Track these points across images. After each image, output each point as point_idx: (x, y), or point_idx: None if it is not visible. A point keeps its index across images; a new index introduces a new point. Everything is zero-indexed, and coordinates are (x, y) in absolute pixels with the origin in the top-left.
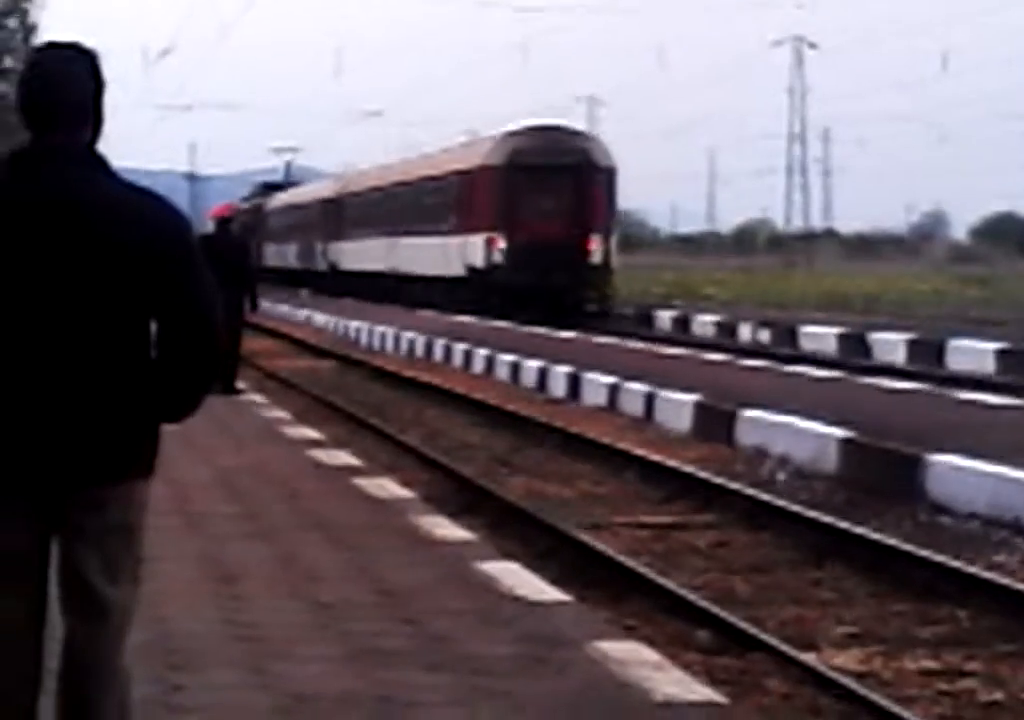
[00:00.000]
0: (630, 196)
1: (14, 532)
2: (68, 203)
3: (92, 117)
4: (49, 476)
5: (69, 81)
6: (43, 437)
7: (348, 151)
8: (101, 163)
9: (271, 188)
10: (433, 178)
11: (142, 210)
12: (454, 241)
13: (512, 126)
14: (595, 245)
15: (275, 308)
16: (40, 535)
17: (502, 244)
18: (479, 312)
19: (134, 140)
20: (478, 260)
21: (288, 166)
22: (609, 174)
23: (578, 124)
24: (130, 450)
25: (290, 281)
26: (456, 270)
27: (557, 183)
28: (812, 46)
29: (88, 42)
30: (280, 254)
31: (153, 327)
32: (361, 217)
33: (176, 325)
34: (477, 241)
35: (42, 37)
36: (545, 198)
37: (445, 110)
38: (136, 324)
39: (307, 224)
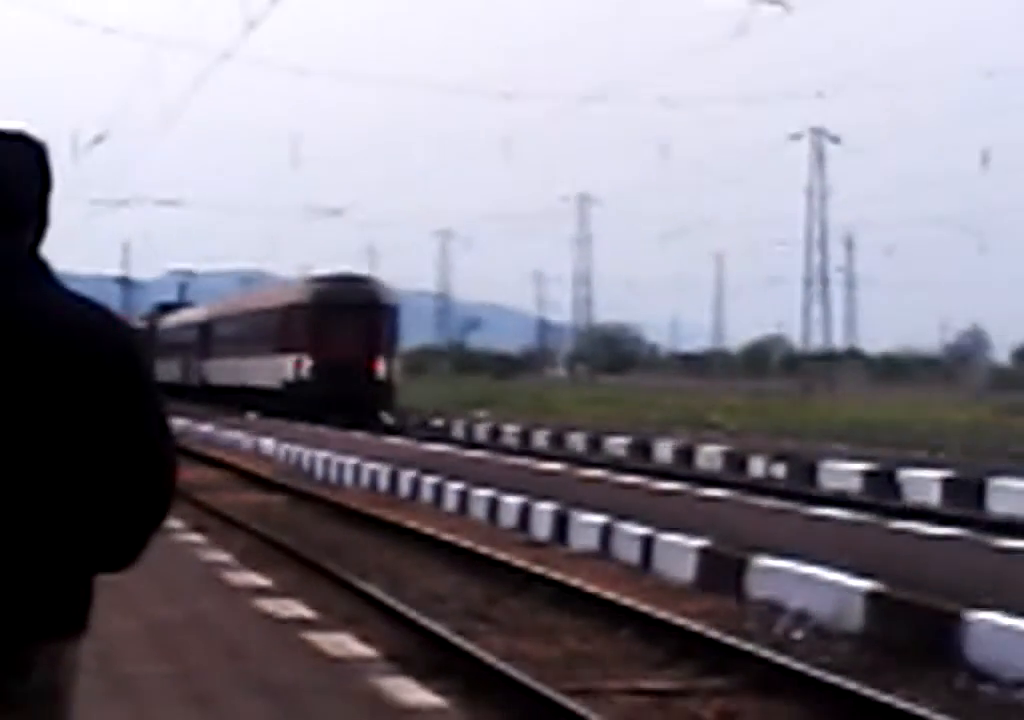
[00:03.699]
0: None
1: None
2: (7, 316)
3: (37, 218)
4: None
5: (16, 178)
6: None
7: (309, 253)
8: (44, 270)
9: (166, 308)
10: (264, 310)
11: (90, 325)
12: (274, 361)
13: (316, 272)
14: (380, 365)
15: (217, 433)
16: None
17: (308, 363)
18: (292, 417)
19: (59, 239)
20: (289, 375)
21: (182, 288)
22: (391, 310)
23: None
24: (61, 603)
25: (170, 393)
26: (275, 383)
27: (350, 318)
28: (834, 140)
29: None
30: (166, 369)
31: (93, 460)
32: (220, 339)
33: (124, 457)
34: (288, 361)
35: None
36: (341, 329)
37: (413, 209)
38: (75, 456)
39: (186, 343)
